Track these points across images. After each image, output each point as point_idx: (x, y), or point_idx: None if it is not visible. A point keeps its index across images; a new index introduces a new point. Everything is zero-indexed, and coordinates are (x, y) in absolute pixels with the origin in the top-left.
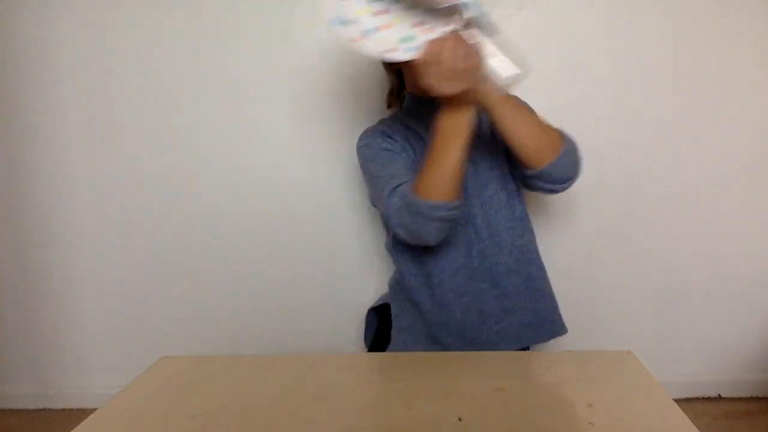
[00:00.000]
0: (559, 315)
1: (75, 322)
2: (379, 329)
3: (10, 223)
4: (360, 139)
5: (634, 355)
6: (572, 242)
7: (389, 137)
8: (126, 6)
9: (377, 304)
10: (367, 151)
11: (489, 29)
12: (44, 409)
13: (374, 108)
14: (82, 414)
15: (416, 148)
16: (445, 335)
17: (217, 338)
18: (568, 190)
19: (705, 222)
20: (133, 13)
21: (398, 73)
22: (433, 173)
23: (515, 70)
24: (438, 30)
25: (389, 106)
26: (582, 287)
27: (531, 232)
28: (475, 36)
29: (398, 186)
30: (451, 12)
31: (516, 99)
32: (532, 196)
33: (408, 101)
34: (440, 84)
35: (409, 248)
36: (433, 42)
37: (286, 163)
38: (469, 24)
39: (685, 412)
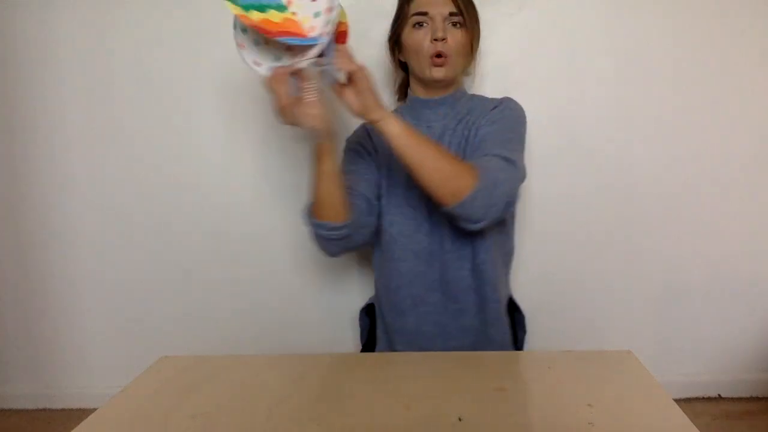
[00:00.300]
0: (511, 345)
1: (75, 322)
2: (371, 330)
3: (10, 223)
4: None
5: (634, 355)
6: (572, 242)
7: (369, 137)
8: (126, 6)
9: (367, 305)
10: (345, 145)
11: (330, 74)
12: (44, 409)
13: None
14: (82, 414)
15: None
16: (397, 342)
17: (217, 338)
18: (568, 189)
19: (705, 222)
20: (133, 13)
21: (405, 67)
22: (314, 195)
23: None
24: (295, 59)
25: (400, 98)
26: (582, 287)
27: (497, 251)
28: (309, 78)
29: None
30: (306, 47)
31: (421, 136)
32: (531, 196)
33: (409, 99)
34: (274, 113)
35: (378, 251)
36: (276, 70)
37: (287, 163)
38: (317, 62)
39: (685, 412)
